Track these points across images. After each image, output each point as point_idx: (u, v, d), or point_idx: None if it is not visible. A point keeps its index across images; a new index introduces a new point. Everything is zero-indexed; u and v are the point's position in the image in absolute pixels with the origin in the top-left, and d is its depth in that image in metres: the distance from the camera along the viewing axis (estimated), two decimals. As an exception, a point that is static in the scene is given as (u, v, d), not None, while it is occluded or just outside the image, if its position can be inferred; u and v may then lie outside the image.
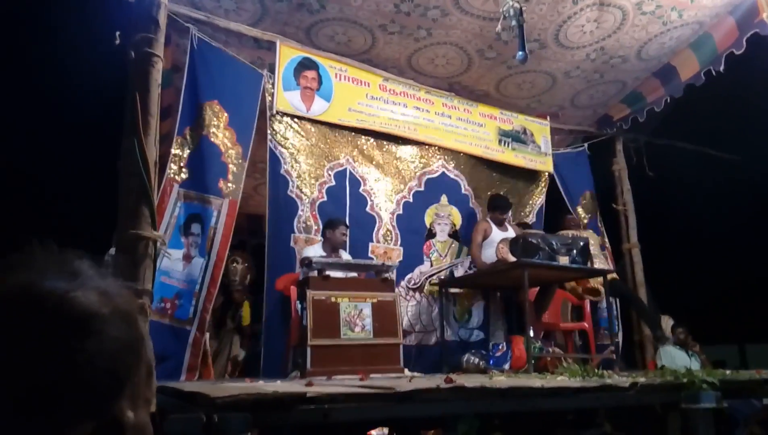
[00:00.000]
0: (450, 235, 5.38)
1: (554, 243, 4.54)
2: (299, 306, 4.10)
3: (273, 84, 4.68)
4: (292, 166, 4.70)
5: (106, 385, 0.52)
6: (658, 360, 5.89)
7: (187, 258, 4.02)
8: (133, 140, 2.14)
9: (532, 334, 4.25)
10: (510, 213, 5.39)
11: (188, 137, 4.20)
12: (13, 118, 5.35)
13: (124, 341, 0.55)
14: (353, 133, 5.07)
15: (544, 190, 6.12)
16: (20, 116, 5.46)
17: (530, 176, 6.05)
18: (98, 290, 0.55)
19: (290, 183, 4.67)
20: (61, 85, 5.19)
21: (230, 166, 4.36)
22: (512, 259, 4.55)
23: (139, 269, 2.15)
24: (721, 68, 5.02)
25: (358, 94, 5.08)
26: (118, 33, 2.49)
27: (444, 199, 5.41)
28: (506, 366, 4.28)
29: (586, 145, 6.50)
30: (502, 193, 5.66)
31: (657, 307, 6.39)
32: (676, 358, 5.82)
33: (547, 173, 6.09)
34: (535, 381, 2.23)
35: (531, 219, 5.98)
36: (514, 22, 2.75)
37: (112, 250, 3.88)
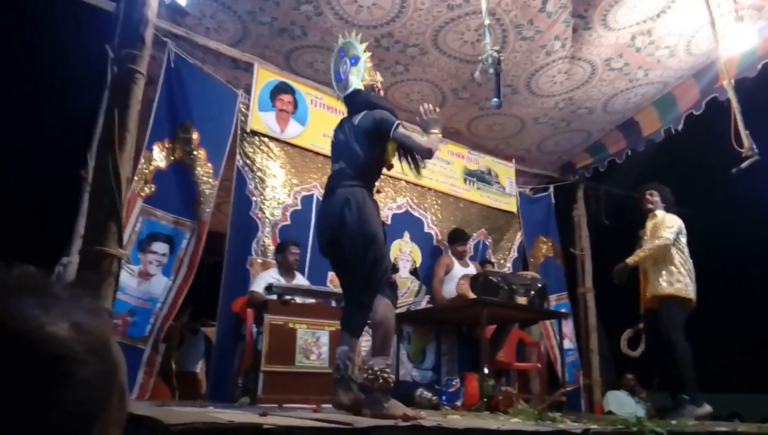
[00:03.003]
0: (411, 273, 5.40)
1: (514, 283, 4.61)
2: (255, 330, 4.04)
3: (248, 103, 4.68)
4: (257, 187, 4.65)
5: (76, 428, 0.51)
6: (606, 405, 6.02)
7: (144, 275, 3.92)
8: (107, 155, 2.09)
9: (486, 371, 4.28)
10: (469, 246, 5.47)
11: (157, 154, 4.14)
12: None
13: (96, 379, 0.53)
14: (325, 159, 5.08)
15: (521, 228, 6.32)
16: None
17: (509, 215, 6.25)
18: (71, 322, 0.53)
19: (253, 204, 4.62)
20: (32, 93, 5.07)
21: (201, 186, 4.30)
22: (472, 295, 4.60)
23: (101, 287, 2.09)
24: (680, 127, 5.27)
25: (333, 122, 5.05)
26: (108, 46, 2.45)
27: (407, 235, 5.43)
28: (458, 403, 4.27)
29: (552, 187, 6.68)
30: (485, 230, 5.84)
31: (610, 353, 6.55)
32: (623, 404, 5.96)
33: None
34: (491, 423, 2.25)
35: (512, 256, 6.16)
36: (491, 70, 2.83)
37: (64, 259, 3.79)
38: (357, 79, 3.00)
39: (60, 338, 0.51)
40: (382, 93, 3.12)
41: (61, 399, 0.49)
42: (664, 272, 4.27)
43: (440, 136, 3.00)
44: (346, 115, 3.10)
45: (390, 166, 3.03)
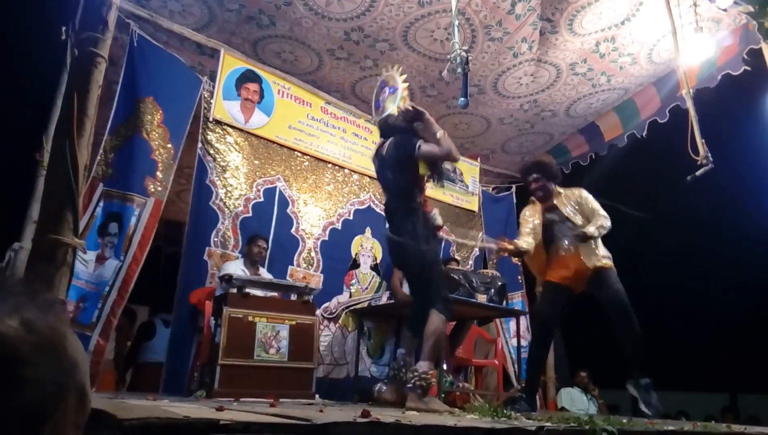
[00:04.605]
0: (372, 268, 5.40)
1: (474, 280, 4.67)
2: (213, 322, 3.97)
3: (212, 91, 4.58)
4: (218, 177, 4.57)
5: (21, 432, 0.48)
6: (559, 401, 6.16)
7: (100, 259, 3.78)
8: (65, 141, 2.01)
9: (445, 367, 4.32)
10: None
11: (119, 135, 4.02)
12: None
13: (45, 380, 0.50)
14: (288, 152, 5.03)
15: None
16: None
17: (471, 213, 6.33)
18: (21, 319, 0.50)
19: (214, 193, 4.54)
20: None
21: (160, 164, 4.19)
22: (433, 292, 4.62)
23: (55, 277, 2.00)
24: (644, 134, 5.40)
25: (299, 113, 5.07)
26: (63, 28, 2.36)
27: (368, 231, 5.43)
28: (417, 398, 4.30)
29: (514, 187, 6.76)
30: (446, 227, 5.92)
31: (565, 350, 6.70)
32: (576, 401, 6.12)
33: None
34: (448, 419, 2.27)
35: (474, 253, 6.24)
36: (459, 70, 2.86)
37: (16, 245, 3.64)
38: (393, 105, 3.42)
39: (6, 337, 0.48)
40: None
41: (4, 402, 0.47)
42: (600, 244, 3.90)
43: (440, 131, 3.29)
44: (378, 140, 3.57)
45: (428, 180, 3.46)
